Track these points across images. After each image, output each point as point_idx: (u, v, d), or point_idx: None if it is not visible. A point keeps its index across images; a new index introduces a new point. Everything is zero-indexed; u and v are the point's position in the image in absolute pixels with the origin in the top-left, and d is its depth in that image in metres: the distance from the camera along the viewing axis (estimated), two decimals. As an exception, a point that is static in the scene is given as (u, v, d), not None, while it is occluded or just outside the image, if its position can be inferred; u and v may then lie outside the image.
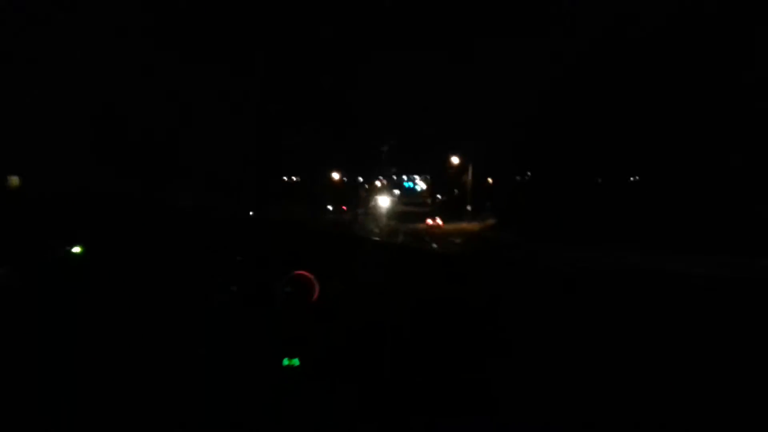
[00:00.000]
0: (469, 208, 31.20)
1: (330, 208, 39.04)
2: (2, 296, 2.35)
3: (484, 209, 29.66)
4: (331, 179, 36.28)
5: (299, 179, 38.81)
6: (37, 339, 2.15)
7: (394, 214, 37.18)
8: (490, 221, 25.97)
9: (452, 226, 28.57)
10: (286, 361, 1.85)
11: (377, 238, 15.85)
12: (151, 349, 2.08)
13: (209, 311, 2.35)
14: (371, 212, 38.29)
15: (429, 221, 30.08)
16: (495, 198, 30.47)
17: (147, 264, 2.62)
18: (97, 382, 1.96)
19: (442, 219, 29.83)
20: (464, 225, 28.94)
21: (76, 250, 2.61)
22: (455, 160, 35.49)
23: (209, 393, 1.91)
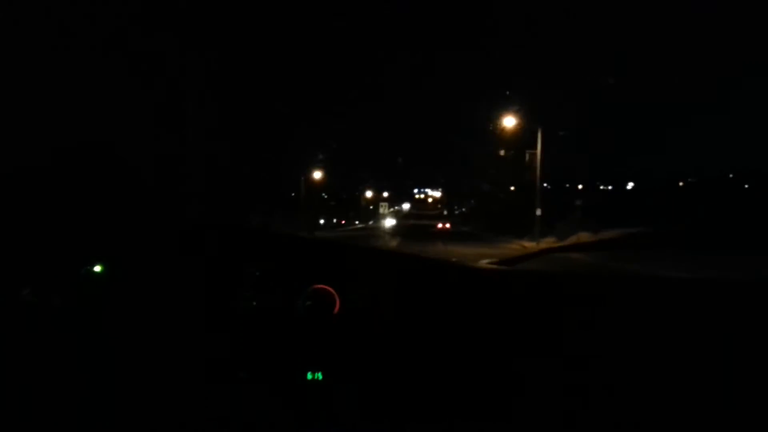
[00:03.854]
0: (539, 212, 17.83)
1: (322, 222, 32.73)
2: (30, 316, 1.94)
3: (570, 215, 17.07)
4: (313, 182, 27.75)
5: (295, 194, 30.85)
6: (67, 364, 1.84)
7: (400, 229, 30.47)
8: (584, 236, 12.04)
9: (495, 250, 11.99)
10: (309, 375, 1.79)
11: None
12: (177, 371, 1.85)
13: (232, 327, 1.97)
14: (372, 228, 32.37)
15: (439, 225, 30.34)
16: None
17: (166, 282, 2.04)
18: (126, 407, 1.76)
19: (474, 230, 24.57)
20: (525, 244, 15.97)
21: (97, 268, 2.03)
22: (510, 121, 20.22)
23: (235, 411, 1.77)
